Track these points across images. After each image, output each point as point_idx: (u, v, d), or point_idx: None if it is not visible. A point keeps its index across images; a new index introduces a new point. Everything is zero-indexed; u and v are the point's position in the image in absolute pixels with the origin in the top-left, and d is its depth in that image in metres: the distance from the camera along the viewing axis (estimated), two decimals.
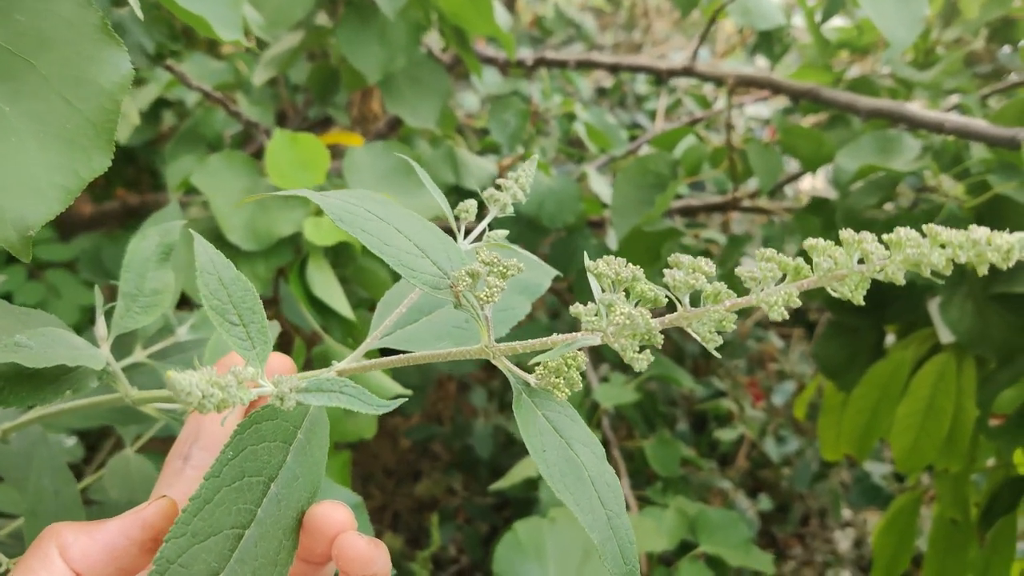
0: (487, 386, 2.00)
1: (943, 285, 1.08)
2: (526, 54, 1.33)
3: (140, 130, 1.37)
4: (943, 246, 0.33)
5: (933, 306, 1.18)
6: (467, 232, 0.47)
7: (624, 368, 1.68)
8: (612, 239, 1.33)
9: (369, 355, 0.43)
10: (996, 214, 1.07)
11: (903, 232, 0.34)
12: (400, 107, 1.20)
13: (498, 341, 0.40)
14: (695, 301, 0.37)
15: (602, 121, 1.31)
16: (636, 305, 0.37)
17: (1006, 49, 1.47)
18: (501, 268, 0.38)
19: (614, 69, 1.21)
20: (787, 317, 0.36)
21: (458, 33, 1.21)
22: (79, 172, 0.48)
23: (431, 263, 0.40)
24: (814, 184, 2.25)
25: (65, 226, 1.44)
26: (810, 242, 0.36)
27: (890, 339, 1.32)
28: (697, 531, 1.10)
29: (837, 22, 1.35)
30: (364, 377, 1.03)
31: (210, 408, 0.27)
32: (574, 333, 0.38)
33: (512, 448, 2.04)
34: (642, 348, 0.36)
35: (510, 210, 0.49)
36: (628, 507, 1.21)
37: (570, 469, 0.36)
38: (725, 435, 1.64)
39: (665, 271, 0.37)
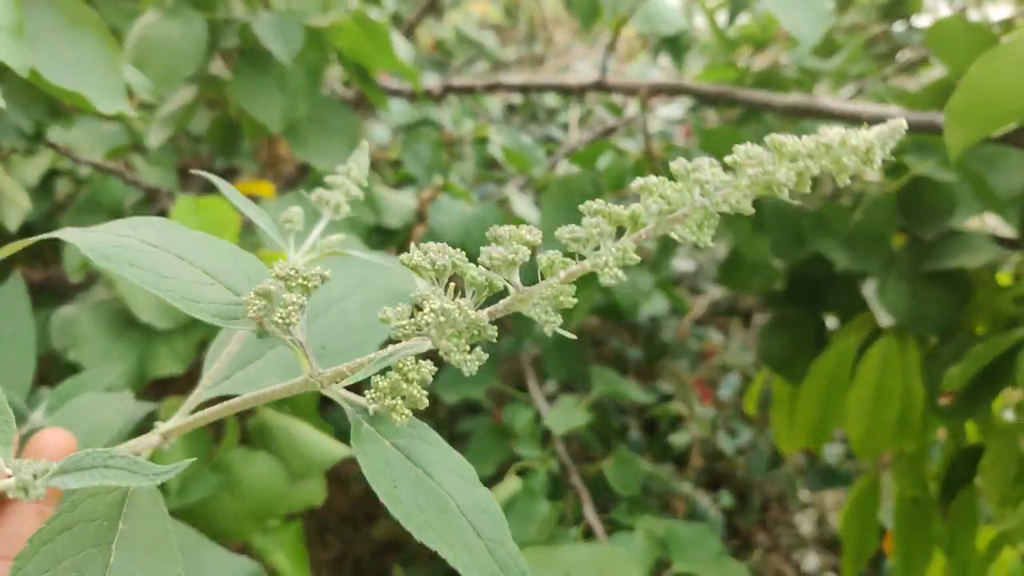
0: (432, 418, 1.95)
1: (877, 268, 1.08)
2: (432, 82, 1.30)
3: (35, 203, 1.29)
4: (792, 159, 0.28)
5: (869, 290, 1.18)
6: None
7: (570, 388, 1.65)
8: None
9: (200, 407, 0.37)
10: (916, 195, 1.08)
11: (744, 149, 0.29)
12: (308, 152, 1.15)
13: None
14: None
15: (517, 141, 1.28)
16: (470, 296, 0.31)
17: (899, 26, 1.49)
18: (302, 280, 0.32)
19: (524, 90, 1.19)
20: (623, 279, 0.30)
21: (359, 70, 1.16)
22: None
23: (224, 289, 0.33)
24: None
25: None
26: (639, 182, 0.31)
27: (831, 324, 1.33)
28: (669, 549, 1.08)
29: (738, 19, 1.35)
30: (296, 438, 0.97)
31: None
32: (405, 342, 0.31)
33: None
34: (472, 346, 0.31)
35: (345, 210, 0.44)
36: (595, 534, 1.19)
37: (431, 502, 0.31)
38: (678, 439, 1.63)
39: (482, 249, 0.31)
